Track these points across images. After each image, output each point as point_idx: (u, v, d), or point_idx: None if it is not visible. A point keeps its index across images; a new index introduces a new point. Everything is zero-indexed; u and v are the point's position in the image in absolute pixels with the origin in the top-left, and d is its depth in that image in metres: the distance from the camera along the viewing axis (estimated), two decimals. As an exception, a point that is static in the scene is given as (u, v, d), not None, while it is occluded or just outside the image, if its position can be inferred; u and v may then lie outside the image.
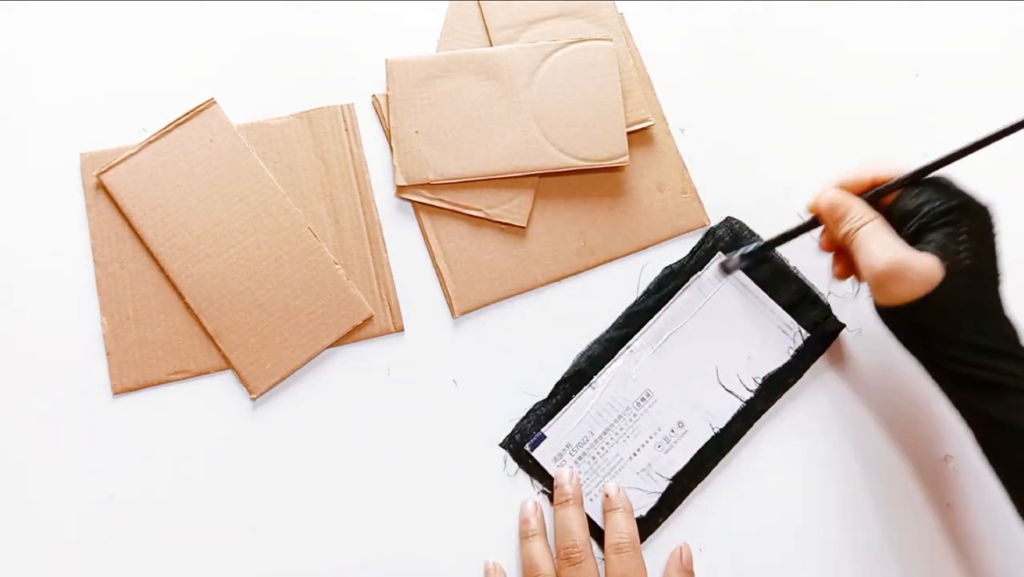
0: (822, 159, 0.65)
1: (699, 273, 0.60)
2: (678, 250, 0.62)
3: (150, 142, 0.60)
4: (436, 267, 0.60)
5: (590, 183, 0.62)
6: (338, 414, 0.58)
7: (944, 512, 0.58)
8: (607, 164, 0.61)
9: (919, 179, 0.49)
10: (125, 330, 0.57)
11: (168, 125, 0.60)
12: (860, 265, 0.49)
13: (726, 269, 0.60)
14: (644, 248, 0.62)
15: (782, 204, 0.63)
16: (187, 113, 0.60)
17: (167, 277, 0.58)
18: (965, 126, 0.66)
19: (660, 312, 0.59)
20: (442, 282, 0.60)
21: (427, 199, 0.60)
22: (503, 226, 0.61)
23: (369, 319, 0.59)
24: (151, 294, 0.58)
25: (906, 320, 0.48)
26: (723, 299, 0.60)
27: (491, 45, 0.64)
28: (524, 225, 0.61)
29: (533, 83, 0.62)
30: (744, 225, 0.62)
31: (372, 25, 0.66)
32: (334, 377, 0.58)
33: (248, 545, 0.55)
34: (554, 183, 0.62)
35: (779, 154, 0.65)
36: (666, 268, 0.61)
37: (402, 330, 0.59)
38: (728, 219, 0.62)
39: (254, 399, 0.57)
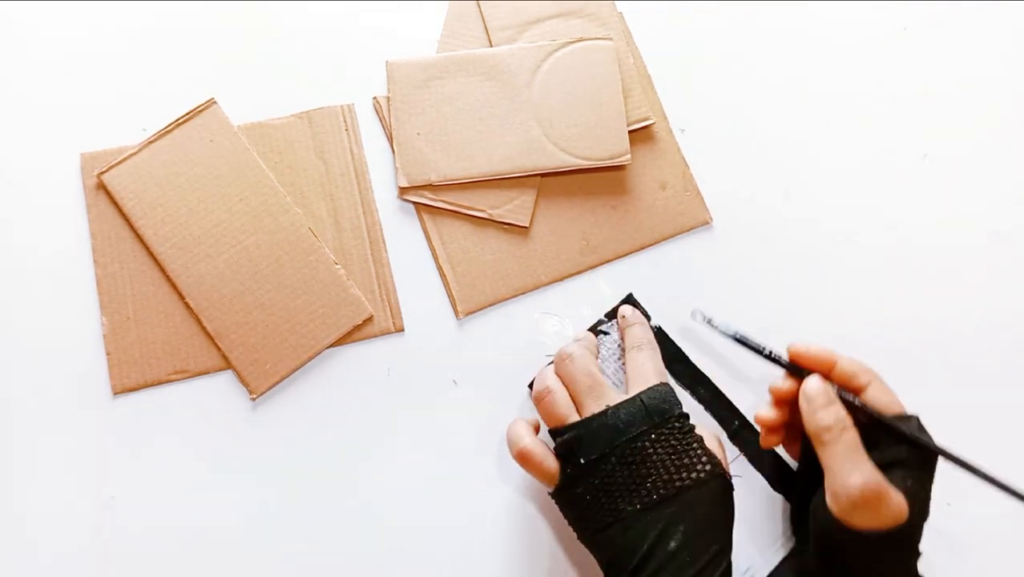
0: (823, 156, 0.65)
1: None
2: (680, 248, 0.62)
3: (150, 142, 0.59)
4: (440, 268, 0.60)
5: (592, 182, 0.62)
6: (338, 414, 0.58)
7: (944, 512, 0.58)
8: (609, 163, 0.61)
9: (902, 437, 0.48)
10: (125, 330, 0.57)
11: (168, 125, 0.60)
12: (829, 474, 0.47)
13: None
14: (647, 246, 0.62)
15: (783, 202, 0.64)
16: (187, 113, 0.60)
17: (167, 277, 0.58)
18: (965, 125, 0.67)
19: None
20: (446, 283, 0.60)
21: (429, 200, 0.60)
22: (506, 226, 0.61)
23: (369, 319, 0.59)
24: (151, 294, 0.58)
25: (855, 541, 0.47)
26: None
27: (491, 45, 0.64)
28: (527, 225, 0.61)
29: (534, 83, 0.62)
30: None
31: (372, 26, 0.66)
32: (334, 377, 0.58)
33: (248, 544, 0.55)
34: (556, 183, 0.62)
35: (780, 152, 0.65)
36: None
37: (402, 330, 0.59)
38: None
39: (254, 399, 0.57)
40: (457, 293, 0.59)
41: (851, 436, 0.46)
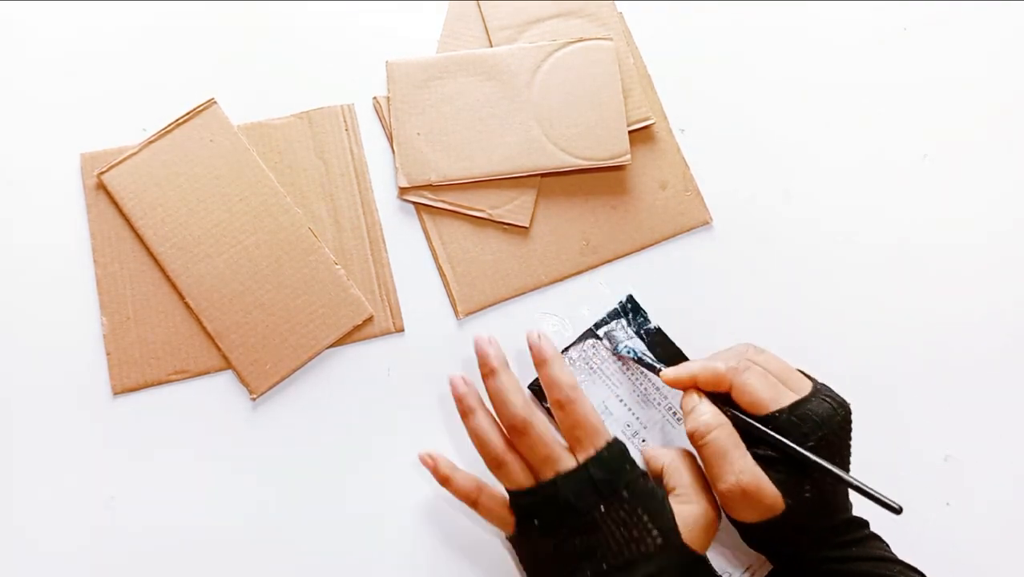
0: (823, 156, 0.65)
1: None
2: (680, 248, 0.62)
3: (150, 142, 0.59)
4: (440, 268, 0.60)
5: (592, 182, 0.62)
6: (338, 414, 0.58)
7: (944, 512, 0.58)
8: (609, 163, 0.61)
9: (779, 447, 0.47)
10: (125, 330, 0.57)
11: (168, 125, 0.60)
12: (707, 473, 0.49)
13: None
14: (647, 247, 0.62)
15: (783, 202, 0.64)
16: (187, 113, 0.60)
17: (167, 277, 0.58)
18: (965, 125, 0.67)
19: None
20: (446, 284, 0.60)
21: (429, 200, 0.60)
22: (506, 226, 0.61)
23: (369, 319, 0.59)
24: (151, 294, 0.58)
25: (745, 530, 0.50)
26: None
27: (491, 45, 0.64)
28: (527, 225, 0.61)
29: (534, 83, 0.62)
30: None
31: (372, 26, 0.66)
32: (334, 377, 0.58)
33: (248, 545, 0.55)
34: (556, 183, 0.62)
35: (780, 152, 0.65)
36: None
37: (402, 330, 0.59)
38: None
39: (254, 399, 0.57)
40: (457, 293, 0.59)
41: (715, 441, 0.47)
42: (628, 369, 0.59)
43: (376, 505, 0.56)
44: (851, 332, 0.61)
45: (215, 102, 0.61)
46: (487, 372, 0.50)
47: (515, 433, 0.49)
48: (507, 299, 0.60)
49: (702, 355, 0.59)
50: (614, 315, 0.60)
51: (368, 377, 0.58)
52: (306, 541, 0.55)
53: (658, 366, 0.54)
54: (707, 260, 0.62)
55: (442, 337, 0.59)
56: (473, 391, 0.51)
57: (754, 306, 0.62)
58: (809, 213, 0.64)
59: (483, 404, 0.51)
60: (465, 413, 0.51)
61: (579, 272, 0.61)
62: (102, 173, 0.59)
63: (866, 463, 0.58)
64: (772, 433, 0.47)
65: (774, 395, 0.48)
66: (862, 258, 0.63)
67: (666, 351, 0.59)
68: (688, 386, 0.51)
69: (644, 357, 0.57)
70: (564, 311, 0.60)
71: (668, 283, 0.61)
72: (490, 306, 0.60)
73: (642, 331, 0.60)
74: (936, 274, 0.63)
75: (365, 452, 0.57)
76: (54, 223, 0.59)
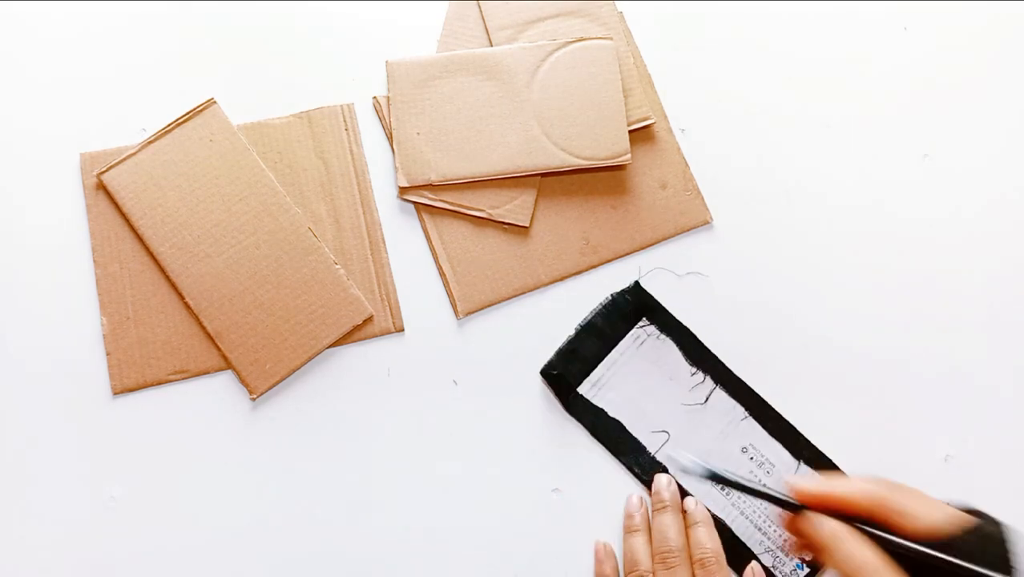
0: (823, 155, 0.65)
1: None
2: (680, 248, 0.62)
3: (150, 142, 0.59)
4: (439, 268, 0.60)
5: (592, 182, 0.62)
6: (338, 414, 0.58)
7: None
8: (609, 163, 0.61)
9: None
10: (125, 330, 0.57)
11: (168, 125, 0.60)
12: None
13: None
14: (647, 246, 0.62)
15: (784, 201, 0.64)
16: (187, 113, 0.60)
17: (167, 277, 0.58)
18: (965, 125, 0.67)
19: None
20: (446, 283, 0.60)
21: (429, 200, 0.60)
22: (506, 226, 0.61)
23: (369, 319, 0.59)
24: (151, 294, 0.58)
25: None
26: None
27: (491, 45, 0.64)
28: (527, 225, 0.61)
29: (534, 83, 0.62)
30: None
31: (372, 25, 0.66)
32: (334, 377, 0.58)
33: (248, 545, 0.55)
34: (556, 182, 0.62)
35: (780, 151, 0.65)
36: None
37: (402, 330, 0.59)
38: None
39: (254, 399, 0.57)
40: (457, 293, 0.60)
41: None
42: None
43: (375, 505, 0.56)
44: (851, 332, 0.61)
45: (215, 102, 0.61)
46: (660, 507, 0.55)
47: (662, 562, 0.53)
48: (507, 299, 0.60)
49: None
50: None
51: (368, 377, 0.58)
52: (305, 541, 0.55)
53: (778, 496, 0.42)
54: (707, 260, 0.62)
55: (442, 337, 0.59)
56: (644, 514, 0.56)
57: (755, 306, 0.61)
58: (810, 213, 0.64)
59: (648, 528, 0.55)
60: (629, 529, 0.55)
61: (579, 272, 0.61)
62: (102, 173, 0.59)
63: (866, 463, 0.58)
64: (966, 565, 0.37)
65: (941, 513, 0.39)
66: (862, 258, 0.63)
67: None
68: (831, 507, 0.41)
69: (726, 475, 0.44)
70: (564, 311, 0.60)
71: (668, 283, 0.61)
72: (490, 306, 0.60)
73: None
74: (936, 274, 0.63)
75: (365, 452, 0.57)
76: (54, 223, 0.59)
